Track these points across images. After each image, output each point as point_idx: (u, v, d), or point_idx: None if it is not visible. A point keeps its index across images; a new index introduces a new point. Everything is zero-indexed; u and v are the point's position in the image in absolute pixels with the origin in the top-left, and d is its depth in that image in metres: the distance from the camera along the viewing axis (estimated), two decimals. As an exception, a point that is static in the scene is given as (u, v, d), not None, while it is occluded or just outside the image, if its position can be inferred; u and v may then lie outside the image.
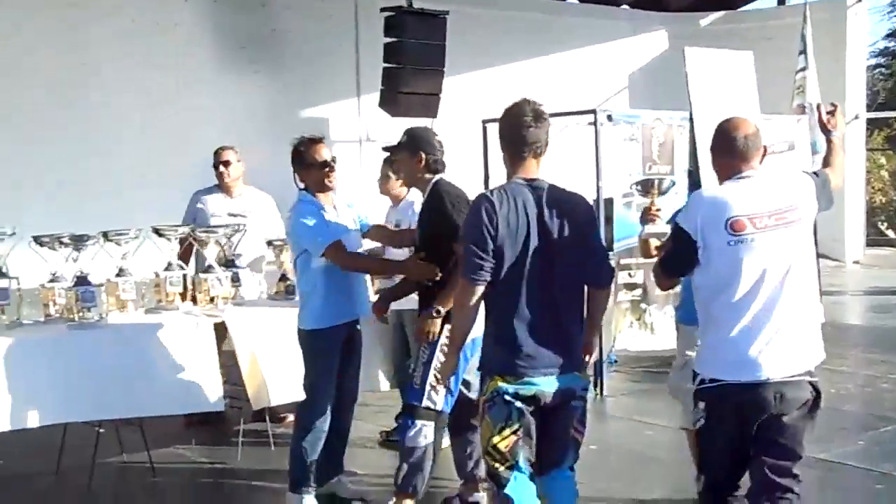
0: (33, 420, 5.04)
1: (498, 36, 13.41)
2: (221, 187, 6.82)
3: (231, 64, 11.44)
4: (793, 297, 3.60)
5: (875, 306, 12.12)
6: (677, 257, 3.75)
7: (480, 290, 3.62)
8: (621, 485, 5.53)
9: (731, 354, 3.58)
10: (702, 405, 3.66)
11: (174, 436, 6.26)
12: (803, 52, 10.73)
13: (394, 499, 4.72)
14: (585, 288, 3.79)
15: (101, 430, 5.64)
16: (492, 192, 3.70)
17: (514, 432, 3.57)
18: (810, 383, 3.64)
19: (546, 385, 3.59)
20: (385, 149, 5.13)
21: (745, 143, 3.74)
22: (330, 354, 4.89)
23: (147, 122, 10.60)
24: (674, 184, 5.39)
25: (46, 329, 5.36)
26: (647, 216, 4.90)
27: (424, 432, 4.59)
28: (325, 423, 4.93)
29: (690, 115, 8.10)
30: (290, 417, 5.86)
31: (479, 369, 3.81)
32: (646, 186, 4.75)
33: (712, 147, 3.88)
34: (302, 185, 4.99)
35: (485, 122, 8.74)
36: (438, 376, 4.40)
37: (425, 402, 4.58)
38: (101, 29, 10.49)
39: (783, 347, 3.58)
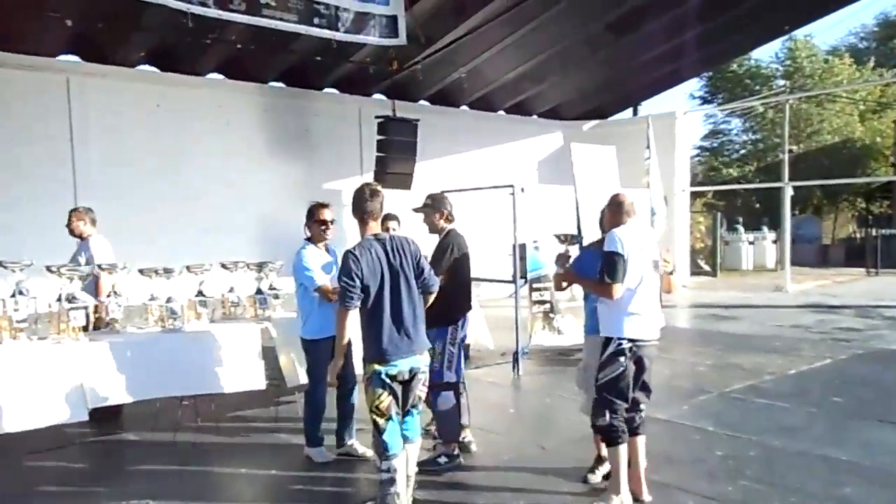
0: (141, 394, 4.96)
1: (452, 135, 13.44)
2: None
3: (278, 153, 11.36)
4: (656, 290, 4.20)
5: (695, 315, 12.22)
6: (619, 270, 4.00)
7: (352, 312, 3.75)
8: (531, 436, 5.50)
9: (637, 322, 4.06)
10: (623, 358, 4.04)
11: (234, 405, 6.12)
12: (648, 146, 10.87)
13: (443, 448, 4.71)
14: (421, 296, 3.91)
15: (185, 402, 5.52)
16: (354, 248, 3.79)
17: (388, 397, 3.74)
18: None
19: (402, 366, 3.76)
20: (415, 210, 5.00)
21: (631, 205, 4.21)
22: (321, 355, 4.65)
23: (221, 191, 10.49)
24: (578, 236, 5.36)
25: (146, 333, 5.26)
26: (561, 259, 4.67)
27: (448, 397, 4.69)
28: (322, 400, 4.82)
29: (575, 188, 8.17)
30: None
31: (363, 359, 3.86)
32: (564, 237, 4.71)
33: (612, 208, 4.21)
34: (307, 235, 4.91)
35: (443, 192, 8.68)
36: (449, 362, 4.65)
37: (445, 379, 4.67)
38: (193, 125, 10.42)
39: (655, 319, 4.14)
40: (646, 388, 4.26)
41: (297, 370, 5.43)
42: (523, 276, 7.81)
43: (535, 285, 8.24)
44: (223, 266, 5.80)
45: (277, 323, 5.65)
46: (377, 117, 11.24)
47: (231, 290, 5.87)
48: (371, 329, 3.78)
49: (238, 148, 10.85)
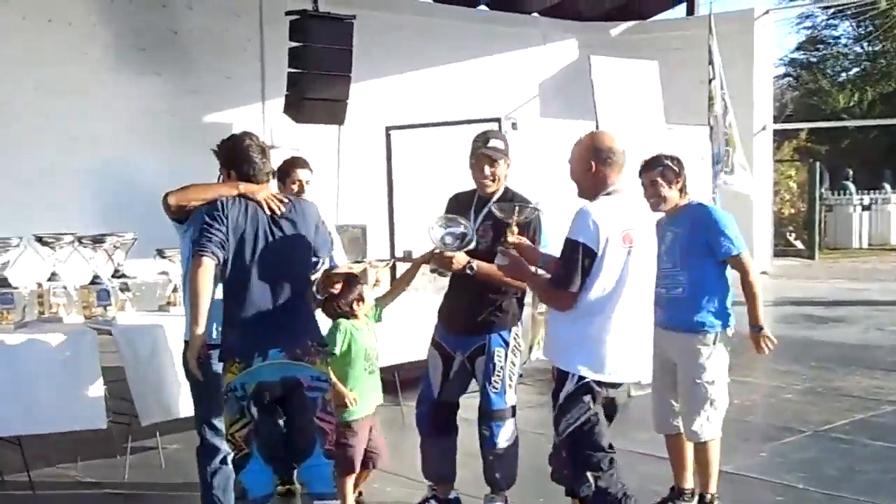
0: None
1: (406, 41, 13.39)
2: None
3: (129, 65, 11.19)
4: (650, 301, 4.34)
5: (781, 317, 12.35)
6: (577, 272, 4.00)
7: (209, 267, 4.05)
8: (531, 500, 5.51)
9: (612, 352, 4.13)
10: (588, 398, 4.10)
11: (57, 454, 6.05)
12: (711, 62, 10.88)
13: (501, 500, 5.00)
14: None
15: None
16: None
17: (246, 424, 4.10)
18: None
19: (267, 374, 4.10)
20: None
21: (623, 156, 4.14)
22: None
23: (37, 124, 10.30)
24: (536, 212, 4.93)
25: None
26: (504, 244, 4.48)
27: (511, 428, 5.00)
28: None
29: (596, 123, 8.19)
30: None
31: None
32: (505, 211, 4.44)
33: (594, 157, 4.12)
34: None
35: (388, 128, 8.70)
36: (512, 380, 4.93)
37: (508, 404, 4.95)
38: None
39: (643, 349, 4.30)
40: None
41: (158, 400, 5.45)
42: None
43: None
44: (39, 240, 5.74)
45: (128, 329, 5.61)
46: (289, 13, 11.15)
47: (52, 278, 5.81)
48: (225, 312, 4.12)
49: (65, 60, 10.67)
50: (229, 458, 4.35)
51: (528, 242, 4.45)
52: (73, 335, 5.40)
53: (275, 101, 11.62)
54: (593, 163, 4.09)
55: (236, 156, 4.25)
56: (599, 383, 4.07)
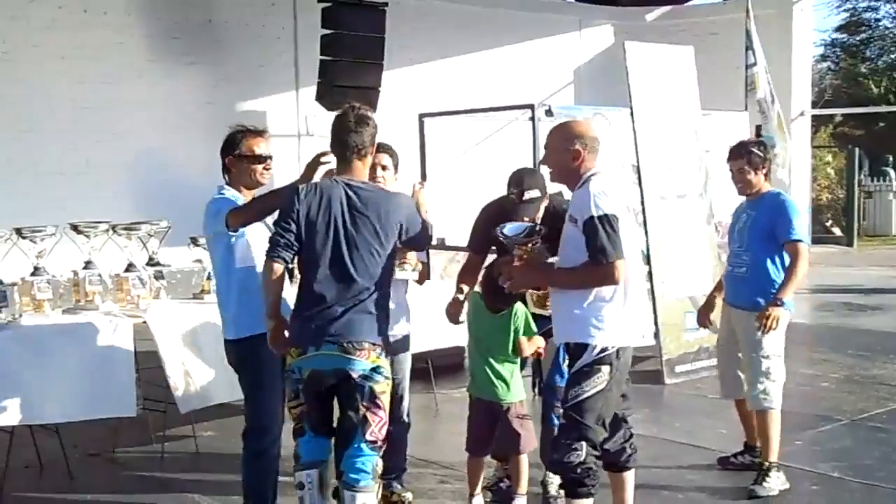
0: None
1: (439, 28, 13.32)
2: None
3: (164, 55, 11.22)
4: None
5: (819, 304, 12.28)
6: (619, 239, 4.07)
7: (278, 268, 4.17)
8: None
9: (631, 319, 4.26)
10: (607, 370, 4.17)
11: (94, 441, 6.12)
12: (750, 47, 10.78)
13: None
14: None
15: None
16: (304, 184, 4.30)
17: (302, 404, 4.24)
18: None
19: (318, 362, 4.17)
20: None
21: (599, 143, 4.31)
22: (268, 364, 4.61)
23: (72, 115, 10.37)
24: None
25: (-45, 331, 5.22)
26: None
27: None
28: (275, 448, 4.66)
29: (631, 109, 8.15)
30: None
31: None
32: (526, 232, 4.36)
33: (580, 142, 4.22)
34: (226, 180, 4.67)
35: (422, 116, 8.69)
36: None
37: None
38: (23, 15, 10.27)
39: (646, 311, 4.68)
40: (625, 396, 4.48)
41: (195, 386, 5.49)
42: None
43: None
44: (74, 229, 5.77)
45: (162, 317, 5.64)
46: (321, 0, 11.14)
47: (88, 266, 5.82)
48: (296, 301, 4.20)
49: (100, 51, 10.73)
50: (272, 447, 4.49)
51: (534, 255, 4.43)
52: (107, 323, 5.43)
53: (308, 90, 11.61)
54: (580, 150, 4.20)
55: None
56: (618, 352, 4.16)
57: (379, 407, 4.09)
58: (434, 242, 8.66)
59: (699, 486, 5.50)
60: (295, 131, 12.26)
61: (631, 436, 4.47)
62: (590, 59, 15.38)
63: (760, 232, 5.37)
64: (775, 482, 5.30)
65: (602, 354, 4.13)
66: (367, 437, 4.08)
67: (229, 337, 4.54)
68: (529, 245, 4.35)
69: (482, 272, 5.04)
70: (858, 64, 29.41)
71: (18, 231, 5.53)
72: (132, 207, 8.50)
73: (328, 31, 11.02)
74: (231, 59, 11.75)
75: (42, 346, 5.20)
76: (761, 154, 5.46)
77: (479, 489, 4.97)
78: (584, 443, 4.14)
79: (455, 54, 13.50)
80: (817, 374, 8.12)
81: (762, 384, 5.31)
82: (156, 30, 11.23)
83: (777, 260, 5.34)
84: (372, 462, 4.11)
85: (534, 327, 4.85)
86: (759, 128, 10.12)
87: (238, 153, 4.60)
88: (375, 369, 4.09)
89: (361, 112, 4.20)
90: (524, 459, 4.91)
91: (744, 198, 5.60)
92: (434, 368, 7.27)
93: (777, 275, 5.32)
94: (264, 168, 4.64)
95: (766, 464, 5.33)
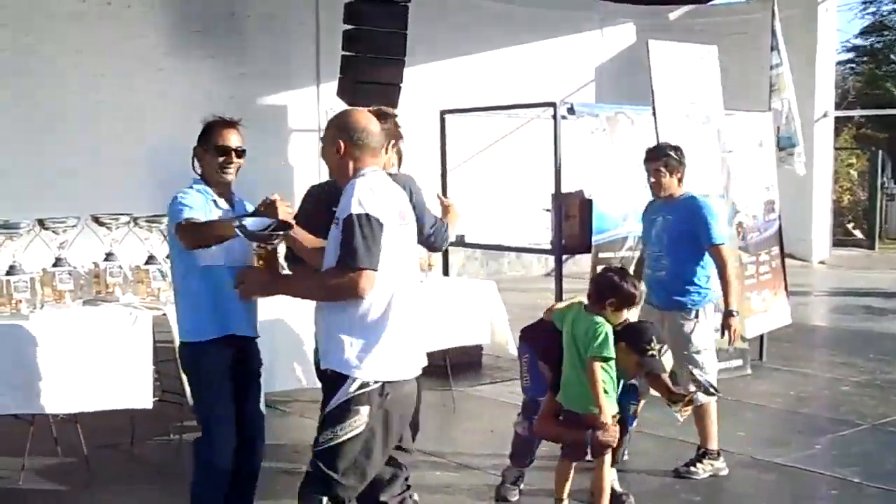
0: (-39, 414, 4.95)
1: (461, 25, 13.35)
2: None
3: (186, 48, 11.29)
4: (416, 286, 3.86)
5: (839, 307, 12.20)
6: (372, 246, 3.43)
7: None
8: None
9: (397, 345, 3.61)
10: (365, 410, 3.53)
11: (112, 431, 6.14)
12: (775, 48, 10.69)
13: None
14: None
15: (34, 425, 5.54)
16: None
17: None
18: None
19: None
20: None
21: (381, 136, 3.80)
22: (216, 370, 4.41)
23: (93, 108, 10.45)
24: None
25: (-23, 320, 5.24)
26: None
27: None
28: (226, 457, 4.36)
29: (653, 108, 8.09)
30: None
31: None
32: (271, 228, 3.80)
33: (344, 135, 3.63)
34: (197, 172, 4.41)
35: (443, 112, 8.67)
36: None
37: None
38: (46, 6, 10.32)
39: (420, 335, 3.81)
40: (407, 447, 3.86)
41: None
42: (584, 245, 7.71)
43: (602, 255, 8.12)
44: (96, 220, 5.77)
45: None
46: (343, -7, 11.17)
47: (109, 258, 5.82)
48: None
49: (121, 43, 10.79)
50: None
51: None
52: (127, 315, 5.44)
53: (330, 85, 11.63)
54: (342, 143, 3.61)
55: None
56: (383, 388, 3.50)
57: None
58: (453, 240, 8.69)
59: (716, 489, 5.47)
60: (316, 126, 12.30)
61: (409, 486, 3.81)
62: (612, 57, 15.36)
63: (679, 235, 5.54)
64: (706, 468, 5.50)
65: (361, 391, 3.47)
66: None
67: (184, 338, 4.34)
68: (269, 245, 3.79)
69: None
70: (882, 66, 29.20)
71: (41, 222, 5.54)
72: (153, 200, 8.49)
73: (350, 27, 11.03)
74: (253, 53, 11.82)
75: (62, 337, 5.20)
76: (677, 158, 5.62)
77: (566, 493, 4.86)
78: (324, 498, 3.51)
79: (477, 51, 13.52)
80: (837, 378, 8.06)
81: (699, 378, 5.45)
82: (178, 23, 11.29)
83: (696, 262, 5.53)
84: None
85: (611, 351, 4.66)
86: (778, 129, 10.05)
87: (211, 144, 4.30)
88: None
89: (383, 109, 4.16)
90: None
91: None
92: (451, 366, 7.26)
93: (697, 277, 5.52)
94: (225, 161, 4.29)
95: (703, 450, 5.54)
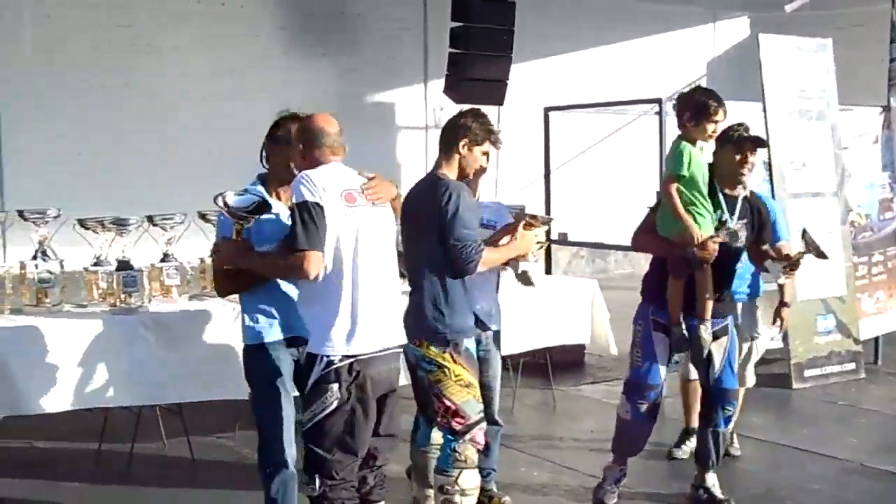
0: (73, 403, 5.09)
1: (568, 22, 13.22)
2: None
3: (297, 47, 11.45)
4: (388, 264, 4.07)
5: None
6: (316, 229, 3.72)
7: None
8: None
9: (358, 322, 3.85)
10: (335, 387, 3.81)
11: (216, 423, 6.27)
12: (895, 40, 10.31)
13: None
14: None
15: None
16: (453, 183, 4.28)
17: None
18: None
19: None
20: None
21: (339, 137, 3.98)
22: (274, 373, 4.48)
23: (206, 106, 10.64)
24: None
25: (88, 313, 5.38)
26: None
27: None
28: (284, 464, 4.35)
29: (763, 105, 7.90)
30: None
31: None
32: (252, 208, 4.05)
33: (301, 137, 4.00)
34: (265, 168, 4.39)
35: (547, 109, 8.61)
36: None
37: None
38: (161, 7, 10.58)
39: (389, 312, 4.00)
40: (389, 433, 4.04)
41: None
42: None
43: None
44: (202, 217, 5.86)
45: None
46: (451, -8, 11.18)
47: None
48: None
49: (234, 42, 10.99)
50: None
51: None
52: (230, 310, 5.49)
53: (437, 82, 11.68)
54: (299, 145, 3.99)
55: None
56: (351, 366, 3.75)
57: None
58: (556, 237, 8.64)
59: (823, 496, 5.30)
60: (423, 123, 12.35)
61: (377, 467, 4.03)
62: (724, 51, 15.03)
63: None
64: (687, 446, 5.79)
65: (328, 369, 3.76)
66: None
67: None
68: (246, 222, 4.02)
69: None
70: None
71: (150, 218, 5.66)
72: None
73: (458, 24, 11.05)
74: (361, 51, 11.91)
75: (169, 331, 5.32)
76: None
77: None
78: (317, 475, 3.81)
79: (584, 47, 13.39)
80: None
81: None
82: (290, 21, 11.45)
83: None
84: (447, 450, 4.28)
85: None
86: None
87: (285, 142, 4.22)
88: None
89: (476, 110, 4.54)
90: None
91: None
92: (552, 365, 7.20)
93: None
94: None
95: (690, 428, 5.80)
